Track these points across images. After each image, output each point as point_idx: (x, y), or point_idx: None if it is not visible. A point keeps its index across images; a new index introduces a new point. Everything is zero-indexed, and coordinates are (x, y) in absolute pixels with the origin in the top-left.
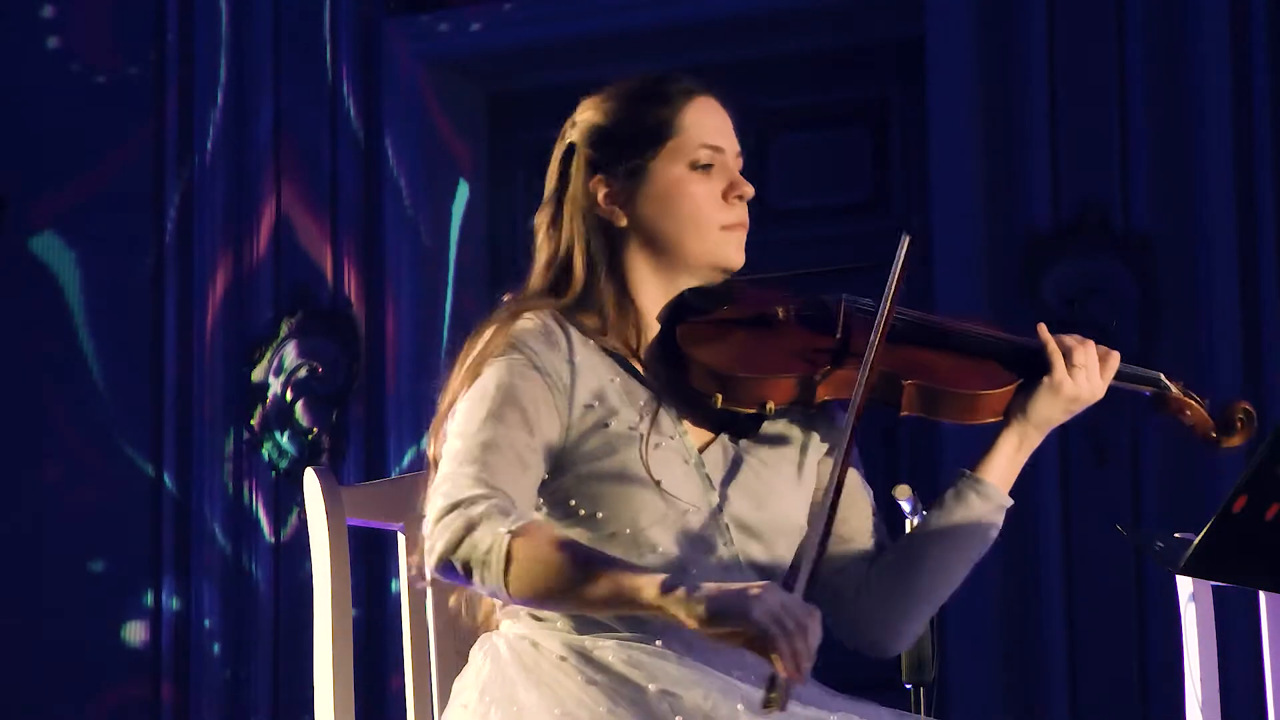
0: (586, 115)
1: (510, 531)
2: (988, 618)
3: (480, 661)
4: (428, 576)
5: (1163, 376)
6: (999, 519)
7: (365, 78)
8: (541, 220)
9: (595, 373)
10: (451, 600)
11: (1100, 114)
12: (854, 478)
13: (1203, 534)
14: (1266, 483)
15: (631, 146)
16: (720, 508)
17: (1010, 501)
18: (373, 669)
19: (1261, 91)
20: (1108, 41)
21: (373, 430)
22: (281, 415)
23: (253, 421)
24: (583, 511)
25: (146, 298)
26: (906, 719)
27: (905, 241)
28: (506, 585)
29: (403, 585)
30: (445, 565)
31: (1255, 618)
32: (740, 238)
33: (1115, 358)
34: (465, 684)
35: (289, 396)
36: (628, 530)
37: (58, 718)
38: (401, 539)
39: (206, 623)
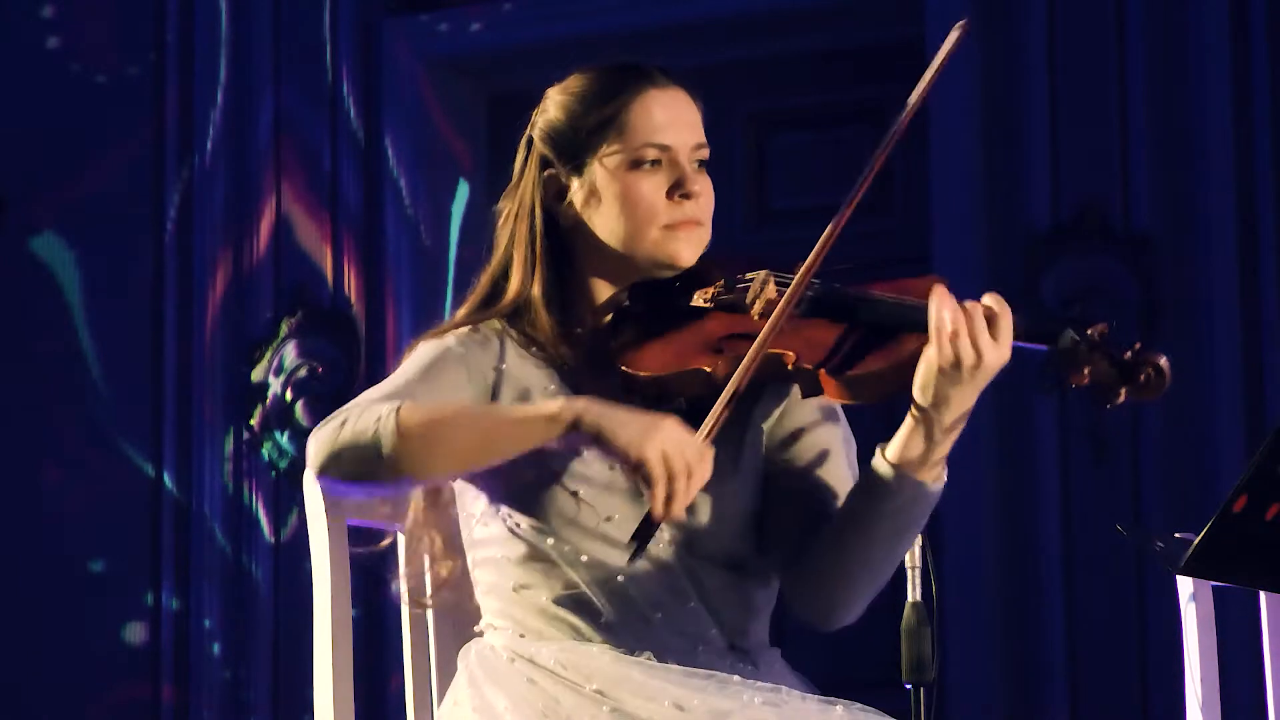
0: (546, 106)
1: (394, 408)
2: (988, 618)
3: (459, 670)
4: (315, 480)
5: (1070, 331)
6: (925, 505)
7: (365, 78)
8: (501, 209)
9: (527, 380)
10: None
11: (1100, 114)
12: (812, 445)
13: (1203, 534)
14: (1266, 483)
15: (578, 143)
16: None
17: (935, 486)
18: (373, 669)
19: (1261, 91)
20: (1108, 41)
21: None
22: (281, 415)
23: (253, 421)
24: (518, 524)
25: (146, 298)
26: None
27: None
28: (398, 451)
29: (403, 585)
30: (327, 461)
31: (1255, 618)
32: (689, 235)
33: (1005, 316)
34: (448, 691)
35: (289, 396)
36: (550, 540)
37: (58, 718)
38: (401, 539)
39: (206, 623)
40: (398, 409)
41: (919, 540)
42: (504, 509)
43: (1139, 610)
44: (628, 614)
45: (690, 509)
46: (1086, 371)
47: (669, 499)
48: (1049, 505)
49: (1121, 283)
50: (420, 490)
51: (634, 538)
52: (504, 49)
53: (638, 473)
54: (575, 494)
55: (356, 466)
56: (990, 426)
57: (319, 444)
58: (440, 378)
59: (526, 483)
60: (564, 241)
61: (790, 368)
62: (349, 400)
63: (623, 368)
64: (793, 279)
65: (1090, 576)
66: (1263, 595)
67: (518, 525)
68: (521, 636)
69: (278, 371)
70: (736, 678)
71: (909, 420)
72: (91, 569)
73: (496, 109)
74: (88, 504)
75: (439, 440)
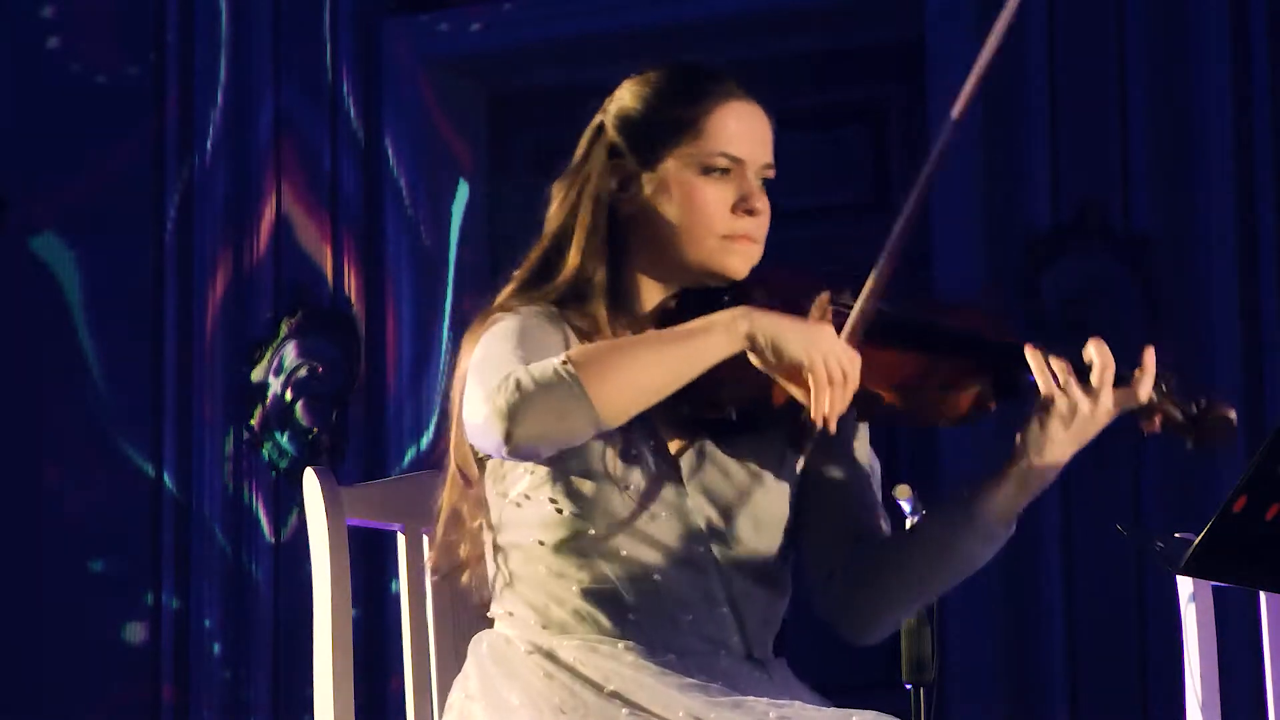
0: (622, 95)
1: (563, 358)
2: (988, 617)
3: (468, 662)
4: (506, 452)
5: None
6: (989, 549)
7: (365, 78)
8: (558, 190)
9: None
10: (465, 578)
11: (1100, 114)
12: (855, 463)
13: (1203, 534)
14: (1266, 483)
15: (653, 138)
16: (692, 510)
17: (1004, 533)
18: (373, 669)
19: (1261, 91)
20: (1108, 41)
21: (373, 430)
22: (281, 415)
23: (253, 421)
24: (561, 510)
25: (146, 298)
26: None
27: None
28: (589, 395)
29: (403, 585)
30: (512, 425)
31: (1255, 618)
32: (744, 249)
33: (1111, 363)
34: (455, 684)
35: (289, 396)
36: (591, 531)
37: (58, 718)
38: (401, 539)
39: (206, 623)
40: (566, 357)
41: None
42: (550, 490)
43: (1139, 610)
44: (657, 613)
45: (729, 515)
46: (1158, 420)
47: (832, 403)
48: (1049, 505)
49: (1121, 283)
50: (454, 469)
51: (795, 444)
52: (504, 49)
53: (800, 376)
54: (626, 488)
55: (548, 421)
56: (991, 426)
57: (499, 410)
58: (534, 342)
59: (576, 472)
60: (620, 232)
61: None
62: (349, 400)
63: None
64: (849, 304)
65: (1090, 576)
66: (1263, 595)
67: (560, 510)
68: (543, 628)
69: (278, 371)
70: (750, 698)
71: (1010, 470)
72: (91, 569)
73: (496, 109)
74: (88, 504)
75: (625, 374)
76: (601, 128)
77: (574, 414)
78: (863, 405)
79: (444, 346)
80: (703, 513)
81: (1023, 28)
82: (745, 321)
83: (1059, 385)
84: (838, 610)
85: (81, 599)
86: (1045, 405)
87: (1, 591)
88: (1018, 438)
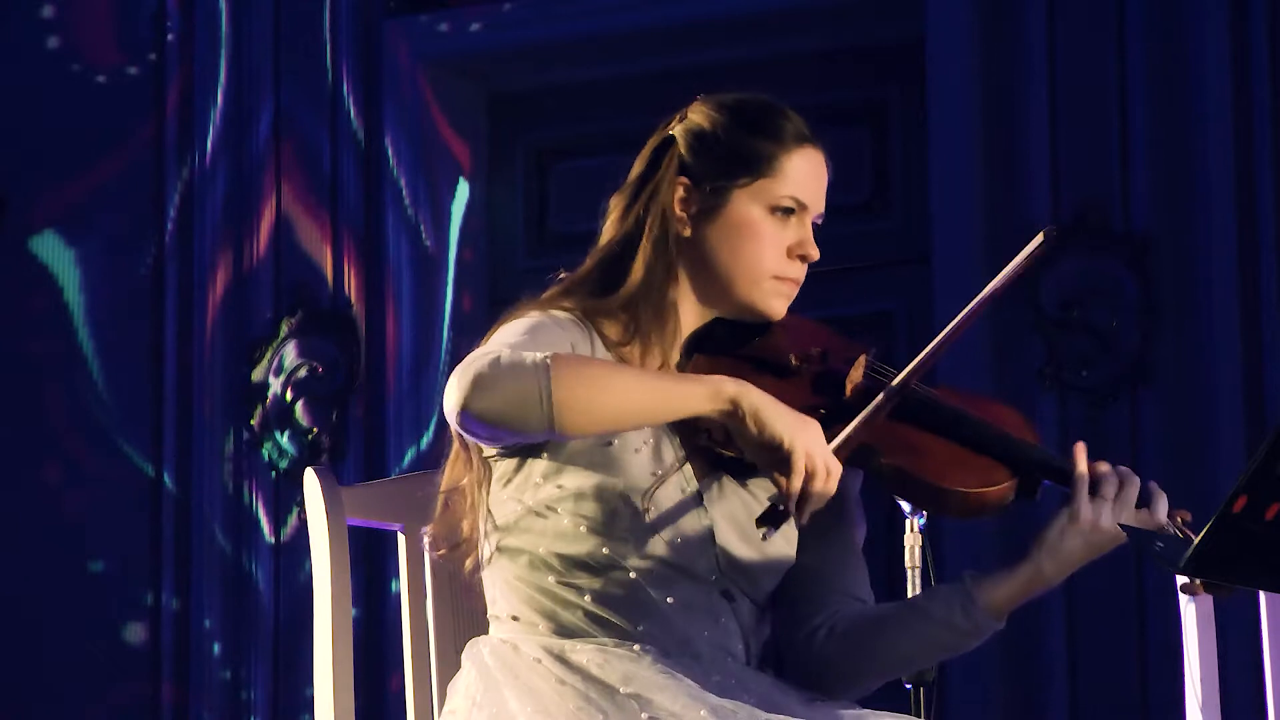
0: (696, 116)
1: (549, 355)
2: None
3: (467, 668)
4: (456, 420)
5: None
6: (979, 639)
7: (365, 78)
8: (617, 202)
9: None
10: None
11: (1100, 114)
12: (853, 526)
13: (1203, 534)
14: (1266, 483)
15: (725, 165)
16: (711, 537)
17: (997, 627)
18: (373, 669)
19: (1261, 92)
20: (1108, 41)
21: (373, 430)
22: (281, 415)
23: (253, 421)
24: (582, 527)
25: (146, 298)
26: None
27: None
28: (554, 398)
29: (403, 585)
30: (473, 394)
31: (1255, 618)
32: (789, 292)
33: (1136, 483)
34: (455, 690)
35: (289, 396)
36: (605, 550)
37: (58, 718)
38: (401, 539)
39: (206, 623)
40: (550, 355)
41: (919, 540)
42: (575, 505)
43: (1139, 610)
44: (670, 623)
45: (745, 544)
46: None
47: (803, 495)
48: (1049, 505)
49: (1121, 283)
50: (458, 444)
51: (762, 521)
52: (504, 49)
53: (779, 460)
54: (648, 510)
55: (508, 407)
56: None
57: (468, 377)
58: (547, 338)
59: (603, 491)
60: (671, 251)
61: (882, 461)
62: (349, 400)
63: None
64: (885, 373)
65: (1090, 576)
66: (1263, 595)
67: (582, 527)
68: (553, 633)
69: (278, 371)
70: (763, 715)
71: (1019, 570)
72: (91, 569)
73: (496, 109)
74: (88, 504)
75: (598, 392)
76: (671, 141)
77: (530, 410)
78: (884, 479)
79: (444, 346)
80: (720, 539)
81: (1023, 28)
82: (735, 388)
83: (1090, 498)
84: (818, 667)
85: (81, 599)
86: (1072, 515)
87: (1, 591)
88: (1034, 542)
